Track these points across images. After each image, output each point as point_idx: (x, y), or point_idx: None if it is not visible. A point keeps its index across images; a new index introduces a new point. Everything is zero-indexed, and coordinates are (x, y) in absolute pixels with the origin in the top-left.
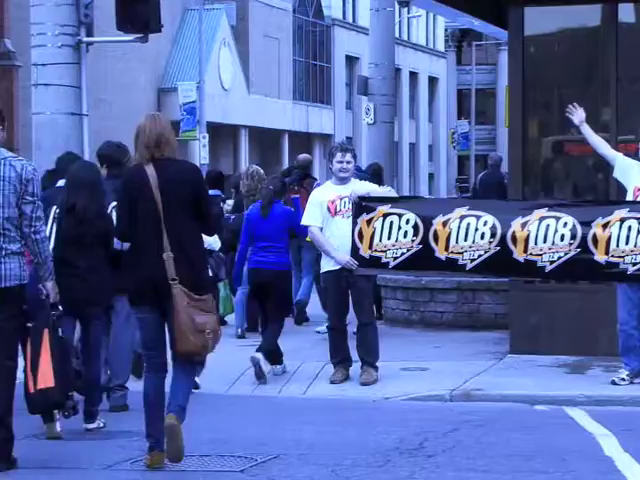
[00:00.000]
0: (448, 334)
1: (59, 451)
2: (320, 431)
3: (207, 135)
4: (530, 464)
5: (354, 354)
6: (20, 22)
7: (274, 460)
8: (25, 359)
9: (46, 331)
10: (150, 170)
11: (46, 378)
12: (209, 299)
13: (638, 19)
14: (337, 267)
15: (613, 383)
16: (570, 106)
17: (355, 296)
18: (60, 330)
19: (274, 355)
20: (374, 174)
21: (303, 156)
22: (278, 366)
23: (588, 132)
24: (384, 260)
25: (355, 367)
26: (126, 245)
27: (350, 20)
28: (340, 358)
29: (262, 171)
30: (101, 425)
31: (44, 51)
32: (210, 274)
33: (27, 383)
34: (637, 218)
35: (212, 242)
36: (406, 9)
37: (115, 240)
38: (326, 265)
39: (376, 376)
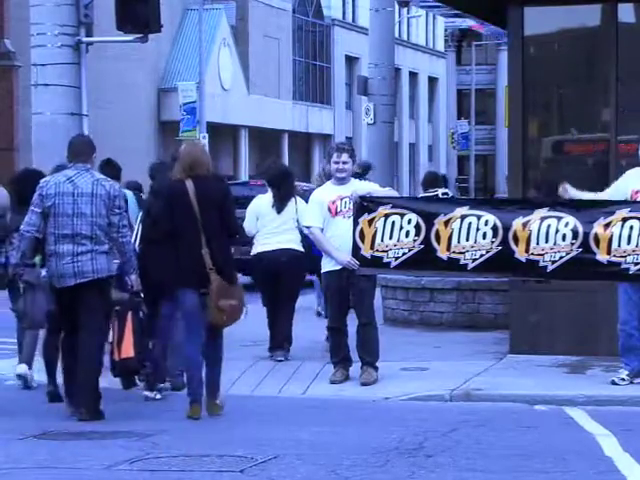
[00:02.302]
0: (448, 334)
1: (59, 451)
2: (320, 431)
3: (207, 135)
4: (530, 464)
5: (354, 354)
6: (20, 22)
7: (274, 460)
8: (112, 334)
9: (129, 313)
10: (189, 184)
11: (127, 350)
12: (237, 287)
13: (638, 19)
14: (338, 267)
15: (613, 383)
16: (561, 188)
17: (356, 296)
18: (141, 312)
19: None
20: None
21: (363, 161)
22: None
23: (576, 194)
24: (386, 260)
25: (355, 367)
26: None
27: (350, 20)
28: (340, 358)
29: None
30: (157, 397)
31: (44, 51)
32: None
33: (113, 353)
34: (639, 218)
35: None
36: (406, 9)
37: None
38: (327, 265)
39: (376, 376)
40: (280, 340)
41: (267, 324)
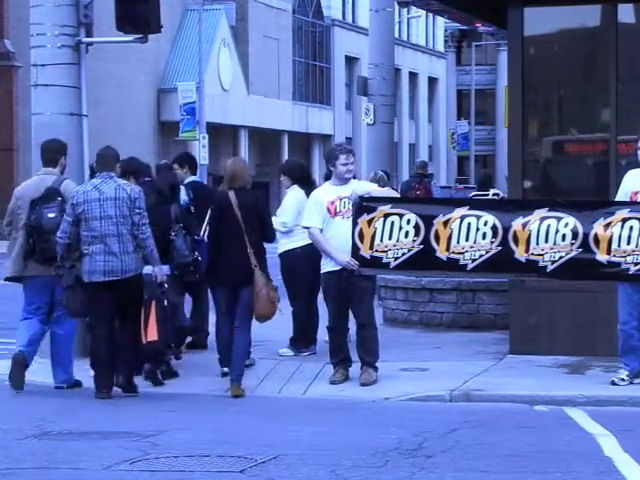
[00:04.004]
0: (448, 334)
1: (59, 451)
2: (320, 431)
3: (207, 135)
4: (530, 464)
5: (354, 354)
6: (20, 22)
7: (274, 460)
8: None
9: (153, 302)
10: (232, 195)
11: (152, 334)
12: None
13: (638, 19)
14: (337, 268)
15: (613, 383)
16: None
17: (355, 296)
18: (166, 301)
19: None
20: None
21: (420, 160)
22: None
23: None
24: (385, 260)
25: (355, 367)
26: None
27: (350, 20)
28: (340, 358)
29: (386, 177)
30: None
31: (44, 51)
32: None
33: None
34: (639, 218)
35: None
36: (406, 9)
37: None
38: (326, 266)
39: (376, 376)
40: (315, 335)
41: (297, 320)
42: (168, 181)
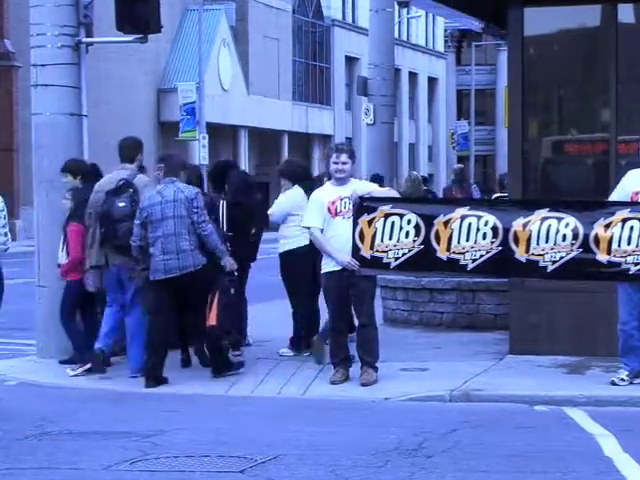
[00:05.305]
0: (448, 334)
1: (59, 451)
2: (320, 431)
3: (207, 135)
4: (530, 464)
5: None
6: (20, 22)
7: (274, 460)
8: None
9: (218, 291)
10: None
11: (212, 319)
12: None
13: (638, 19)
14: (338, 268)
15: (613, 383)
16: None
17: (355, 296)
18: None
19: None
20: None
21: (457, 166)
22: None
23: None
24: (385, 260)
25: (355, 367)
26: None
27: (350, 21)
28: (340, 358)
29: (420, 177)
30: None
31: (44, 51)
32: None
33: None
34: (639, 219)
35: None
36: (405, 10)
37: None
38: (327, 266)
39: (376, 376)
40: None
41: (308, 320)
42: (194, 174)
